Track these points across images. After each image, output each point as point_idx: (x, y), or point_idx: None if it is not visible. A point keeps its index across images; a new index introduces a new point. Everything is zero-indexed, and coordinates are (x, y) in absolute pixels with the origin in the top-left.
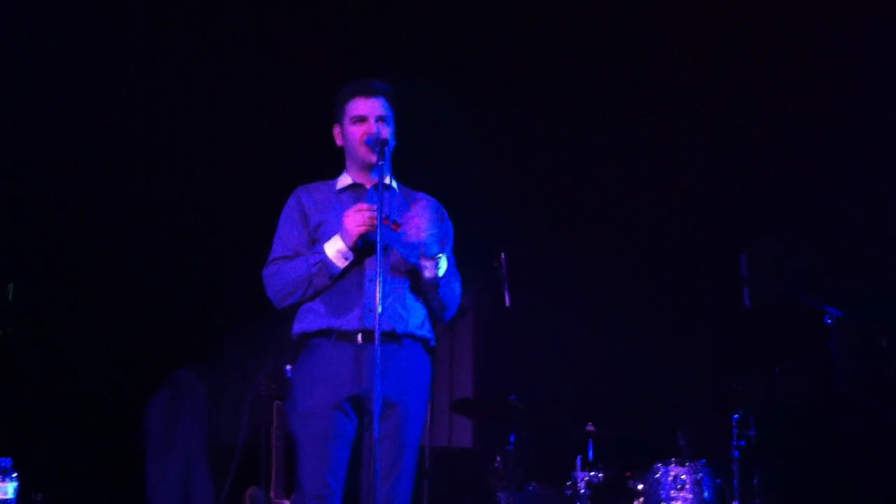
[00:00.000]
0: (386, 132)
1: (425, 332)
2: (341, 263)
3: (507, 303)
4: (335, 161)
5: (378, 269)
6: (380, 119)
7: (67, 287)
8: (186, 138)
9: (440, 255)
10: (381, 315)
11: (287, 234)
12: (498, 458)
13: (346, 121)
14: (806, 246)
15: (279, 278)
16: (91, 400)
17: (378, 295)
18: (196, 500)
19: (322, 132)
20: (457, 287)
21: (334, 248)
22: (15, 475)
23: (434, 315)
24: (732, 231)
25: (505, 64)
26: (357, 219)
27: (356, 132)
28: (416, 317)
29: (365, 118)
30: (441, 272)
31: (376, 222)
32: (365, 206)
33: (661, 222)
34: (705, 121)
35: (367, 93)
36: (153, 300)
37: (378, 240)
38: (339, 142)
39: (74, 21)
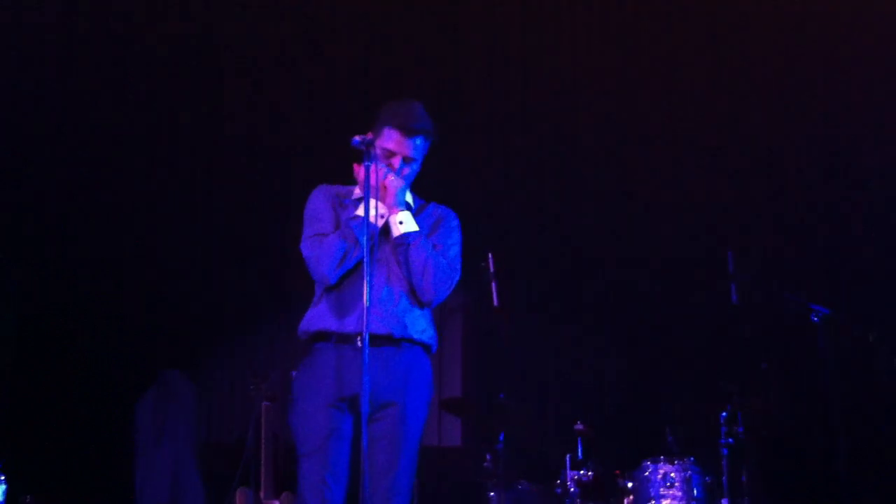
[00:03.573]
0: (406, 171)
1: (426, 337)
2: (379, 222)
3: (496, 302)
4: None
5: (366, 264)
6: (407, 159)
7: (55, 289)
8: (181, 142)
9: (401, 211)
10: (379, 320)
11: (321, 214)
12: (487, 457)
13: (376, 143)
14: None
15: (327, 245)
16: (79, 401)
17: (366, 289)
18: (185, 498)
19: (315, 140)
20: (442, 263)
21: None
22: (3, 478)
23: (416, 290)
24: (720, 228)
25: (497, 62)
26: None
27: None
28: (416, 322)
29: (393, 154)
30: (405, 229)
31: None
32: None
33: (649, 220)
34: (696, 116)
35: (407, 132)
36: (142, 301)
37: (365, 241)
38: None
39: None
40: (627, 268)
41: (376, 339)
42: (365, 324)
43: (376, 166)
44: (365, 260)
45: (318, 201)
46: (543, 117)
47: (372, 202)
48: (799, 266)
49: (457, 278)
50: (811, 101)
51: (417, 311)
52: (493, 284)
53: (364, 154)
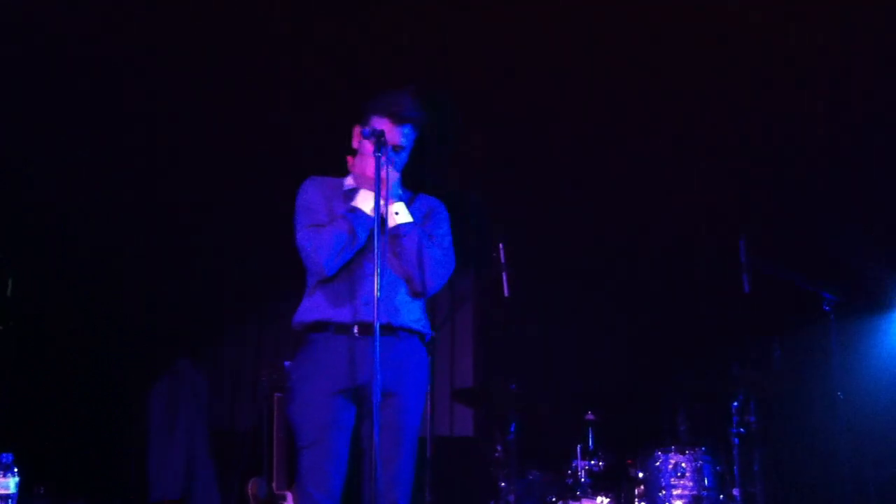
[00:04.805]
0: (394, 160)
1: (421, 326)
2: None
3: (506, 292)
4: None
5: (377, 256)
6: (397, 148)
7: (66, 280)
8: (183, 134)
9: (396, 202)
10: (377, 309)
11: (314, 206)
12: (499, 447)
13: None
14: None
15: (326, 235)
16: (92, 392)
17: (377, 280)
18: (198, 485)
19: (313, 132)
20: (437, 254)
21: (365, 200)
22: (16, 470)
23: (411, 281)
24: (732, 215)
25: (505, 52)
26: (369, 163)
27: (370, 150)
28: (412, 311)
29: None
30: (401, 220)
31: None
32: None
33: (660, 208)
34: (705, 102)
35: (396, 120)
36: (152, 292)
37: (377, 244)
38: (354, 143)
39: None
40: (639, 256)
41: (372, 328)
42: (375, 314)
43: (387, 158)
44: (376, 251)
45: (312, 192)
46: (554, 106)
47: (371, 194)
48: (811, 253)
49: (451, 269)
50: (823, 83)
51: (413, 302)
52: (504, 274)
53: (374, 145)
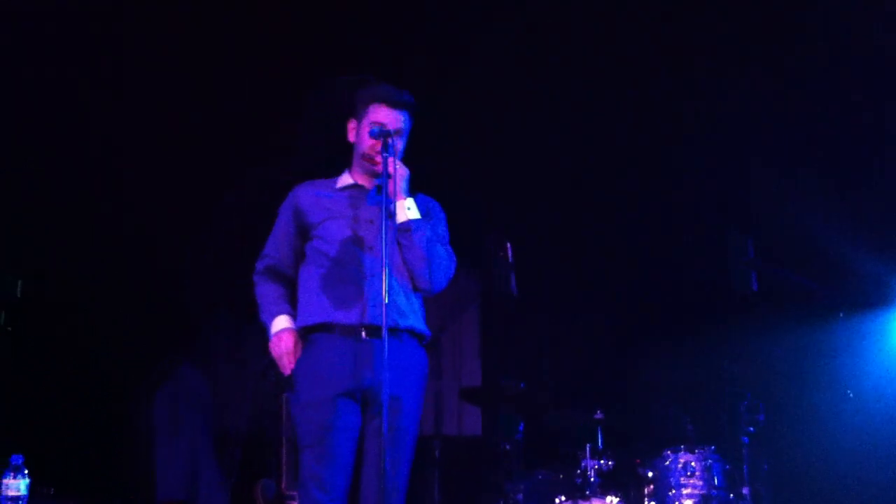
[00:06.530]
0: (399, 145)
1: (422, 328)
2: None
3: (514, 291)
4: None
5: (385, 256)
6: (397, 132)
7: (74, 284)
8: (183, 139)
9: (406, 198)
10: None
11: (278, 231)
12: (507, 446)
13: (364, 122)
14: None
15: (257, 296)
16: (99, 395)
17: (385, 283)
18: (202, 487)
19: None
20: (442, 252)
21: (276, 327)
22: (26, 472)
23: (418, 278)
24: (741, 214)
25: (505, 51)
26: (279, 351)
27: (370, 139)
28: (416, 313)
29: (388, 132)
30: (412, 215)
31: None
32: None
33: (668, 208)
34: (703, 100)
35: (394, 104)
36: (157, 294)
37: (384, 242)
38: (350, 137)
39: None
40: (648, 258)
41: (380, 330)
42: (384, 318)
43: (394, 159)
44: (384, 251)
45: (283, 215)
46: (559, 105)
47: (280, 323)
48: (815, 251)
49: (454, 269)
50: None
51: (416, 302)
52: (512, 273)
53: (382, 145)
